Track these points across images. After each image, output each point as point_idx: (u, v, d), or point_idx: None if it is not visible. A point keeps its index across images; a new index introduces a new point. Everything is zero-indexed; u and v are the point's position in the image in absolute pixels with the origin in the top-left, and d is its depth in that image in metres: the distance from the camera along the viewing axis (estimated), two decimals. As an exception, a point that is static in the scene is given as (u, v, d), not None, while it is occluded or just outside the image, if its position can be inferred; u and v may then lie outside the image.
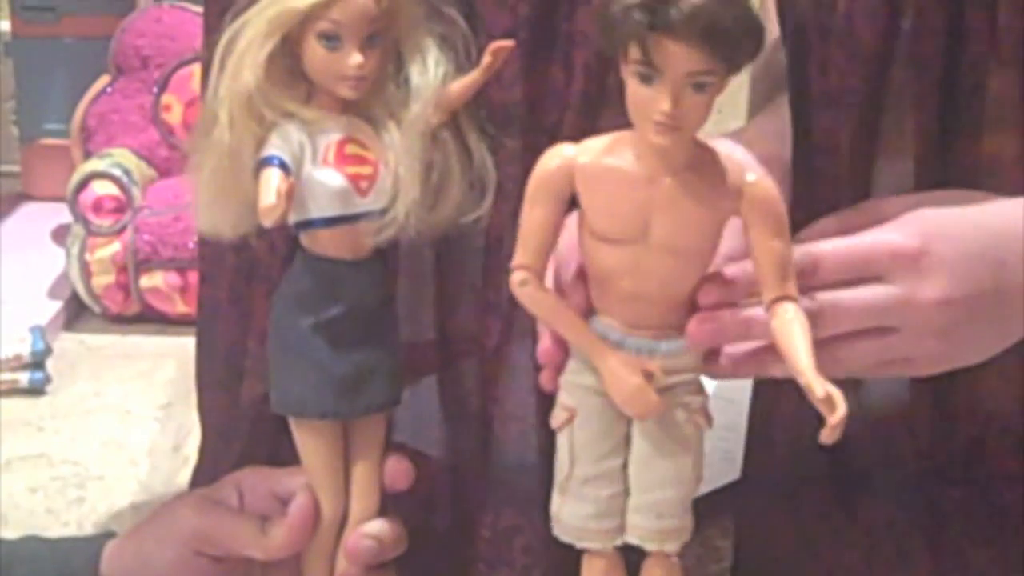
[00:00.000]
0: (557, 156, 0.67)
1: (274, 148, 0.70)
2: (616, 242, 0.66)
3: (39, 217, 1.71)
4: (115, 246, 1.47)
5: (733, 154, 0.67)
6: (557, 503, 0.70)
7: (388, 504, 0.77)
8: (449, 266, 0.81)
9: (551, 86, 0.77)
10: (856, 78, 0.75)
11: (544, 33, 0.77)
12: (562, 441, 0.69)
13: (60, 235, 1.58)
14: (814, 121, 0.77)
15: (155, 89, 1.60)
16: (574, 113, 0.77)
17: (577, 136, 0.71)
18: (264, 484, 0.79)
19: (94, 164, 1.51)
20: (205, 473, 0.87)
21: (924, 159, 0.77)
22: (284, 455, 0.79)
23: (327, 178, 0.71)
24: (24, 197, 1.79)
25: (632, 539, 0.69)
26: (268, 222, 0.67)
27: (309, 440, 0.75)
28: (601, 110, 0.76)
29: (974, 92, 0.76)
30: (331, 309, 0.72)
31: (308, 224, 0.72)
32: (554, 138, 0.78)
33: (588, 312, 0.68)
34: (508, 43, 0.71)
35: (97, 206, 1.48)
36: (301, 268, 0.74)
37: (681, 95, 0.62)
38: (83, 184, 1.48)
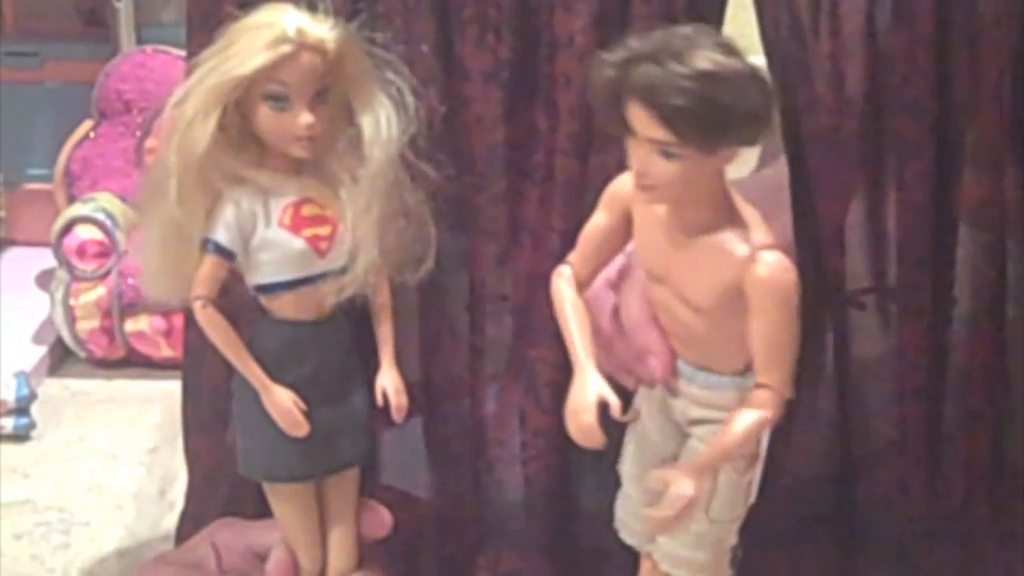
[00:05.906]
0: (629, 176, 0.67)
1: (220, 227, 0.69)
2: (651, 276, 0.68)
3: (23, 262, 1.70)
4: (99, 290, 1.47)
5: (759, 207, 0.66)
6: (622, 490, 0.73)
7: (367, 555, 0.76)
8: (432, 308, 0.81)
9: (534, 128, 0.78)
10: (843, 117, 0.75)
11: (525, 75, 0.77)
12: (628, 435, 0.72)
13: (44, 280, 1.58)
14: (808, 162, 0.76)
15: (138, 133, 1.60)
16: (564, 156, 0.77)
17: (569, 180, 0.71)
18: (240, 540, 0.78)
19: (78, 209, 1.51)
20: (192, 518, 0.87)
21: (928, 206, 0.77)
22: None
23: (284, 241, 0.70)
24: (8, 242, 1.78)
25: (650, 547, 0.71)
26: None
27: (282, 501, 0.74)
28: (590, 153, 0.76)
29: (962, 134, 0.76)
30: (294, 372, 0.71)
31: (267, 288, 0.71)
32: (537, 181, 0.78)
33: None
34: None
35: (81, 251, 1.48)
36: (263, 331, 0.73)
37: (648, 158, 0.62)
38: (67, 229, 1.48)
